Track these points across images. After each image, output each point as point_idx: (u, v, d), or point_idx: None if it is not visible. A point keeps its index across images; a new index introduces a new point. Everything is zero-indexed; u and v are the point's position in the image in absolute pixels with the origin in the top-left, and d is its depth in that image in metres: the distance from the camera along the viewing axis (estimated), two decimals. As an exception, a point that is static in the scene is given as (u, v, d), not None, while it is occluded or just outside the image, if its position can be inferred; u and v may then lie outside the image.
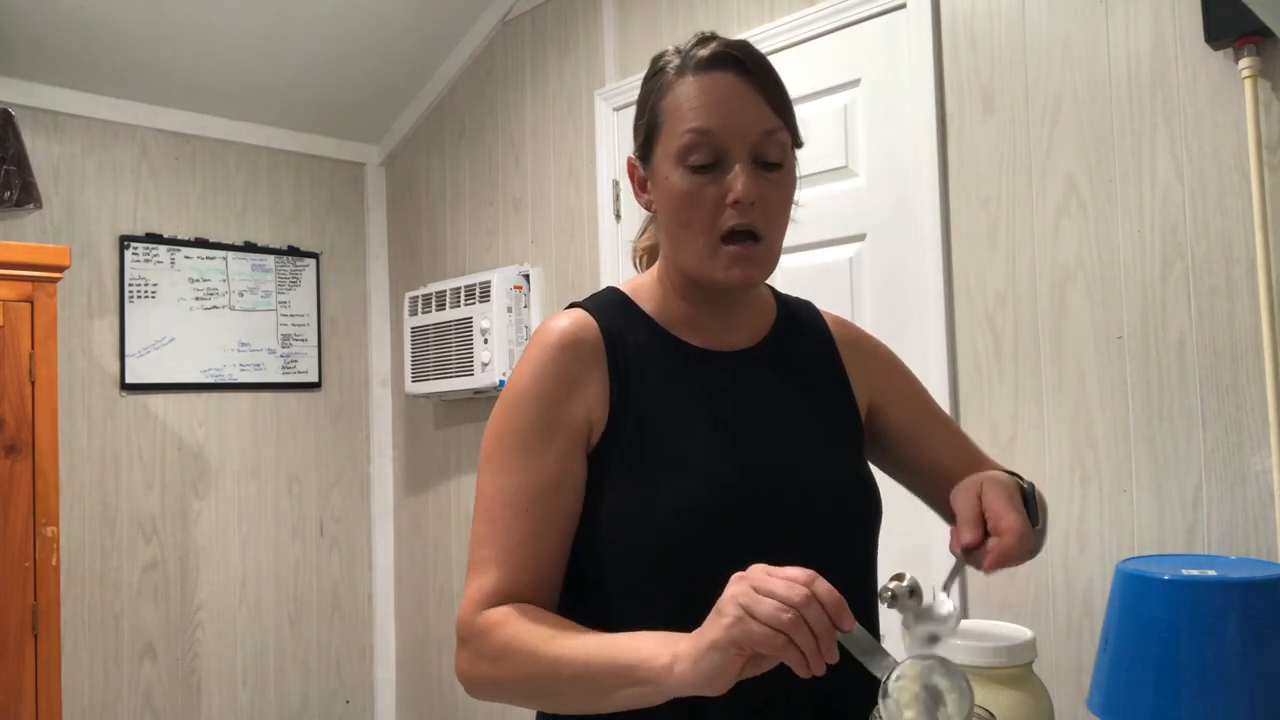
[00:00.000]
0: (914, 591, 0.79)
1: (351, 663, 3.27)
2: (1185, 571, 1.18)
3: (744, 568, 0.88)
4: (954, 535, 0.88)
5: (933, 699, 0.72)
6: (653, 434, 0.95)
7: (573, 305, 1.03)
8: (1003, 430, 1.77)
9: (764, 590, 0.71)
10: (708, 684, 0.72)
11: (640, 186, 1.02)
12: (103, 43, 2.63)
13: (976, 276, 1.82)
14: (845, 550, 0.98)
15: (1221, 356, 1.52)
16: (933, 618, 0.78)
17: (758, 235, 0.93)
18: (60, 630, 2.17)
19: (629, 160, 1.03)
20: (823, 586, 0.71)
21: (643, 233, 1.14)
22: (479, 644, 0.89)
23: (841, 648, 0.72)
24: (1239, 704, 1.10)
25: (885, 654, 0.74)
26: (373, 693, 3.31)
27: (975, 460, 1.13)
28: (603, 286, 1.10)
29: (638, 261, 1.13)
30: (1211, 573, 1.18)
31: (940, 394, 1.84)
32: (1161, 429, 1.58)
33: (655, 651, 0.77)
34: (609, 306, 1.02)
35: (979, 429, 1.80)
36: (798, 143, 0.97)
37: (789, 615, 0.69)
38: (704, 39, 0.96)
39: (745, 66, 0.94)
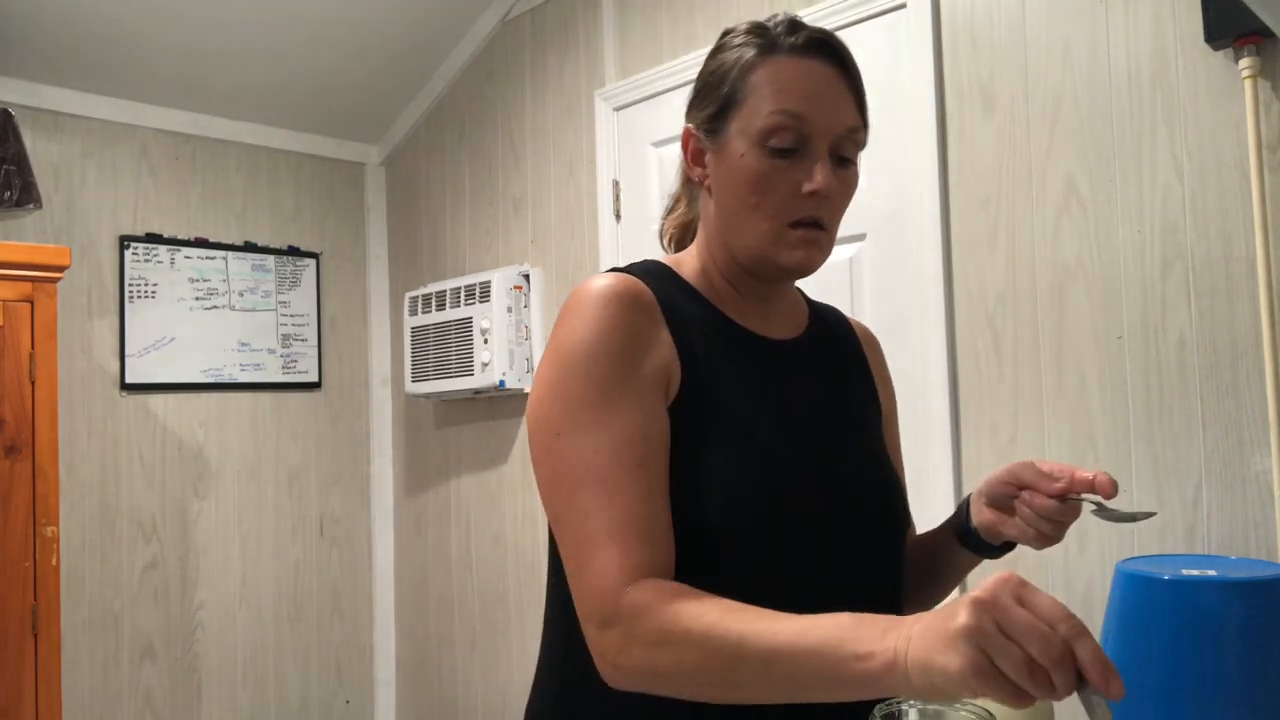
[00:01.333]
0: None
1: (351, 663, 3.26)
2: (1185, 571, 1.18)
3: (815, 564, 0.87)
4: (1031, 497, 0.90)
5: None
6: (721, 407, 0.89)
7: (613, 270, 0.94)
8: (1003, 430, 1.77)
9: (1015, 633, 0.58)
10: (935, 696, 0.64)
11: (695, 159, 0.97)
12: (103, 43, 2.63)
13: (976, 276, 1.81)
14: (891, 549, 0.98)
15: (1221, 356, 1.52)
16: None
17: (823, 225, 0.92)
18: (60, 630, 2.17)
19: (686, 130, 0.97)
20: (1088, 647, 0.58)
21: (672, 209, 1.09)
22: (632, 626, 0.77)
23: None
24: (1239, 704, 1.10)
25: None
26: (373, 693, 3.31)
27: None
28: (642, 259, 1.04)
29: (666, 241, 1.09)
30: (1211, 573, 1.17)
31: (940, 394, 1.84)
32: (1161, 429, 1.58)
33: (873, 646, 0.65)
34: (655, 276, 0.95)
35: (979, 429, 1.80)
36: (865, 144, 0.96)
37: (1037, 676, 0.58)
38: (793, 22, 0.93)
39: (842, 59, 0.92)
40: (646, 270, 0.96)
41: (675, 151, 2.62)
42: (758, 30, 0.94)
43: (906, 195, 1.92)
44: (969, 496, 1.01)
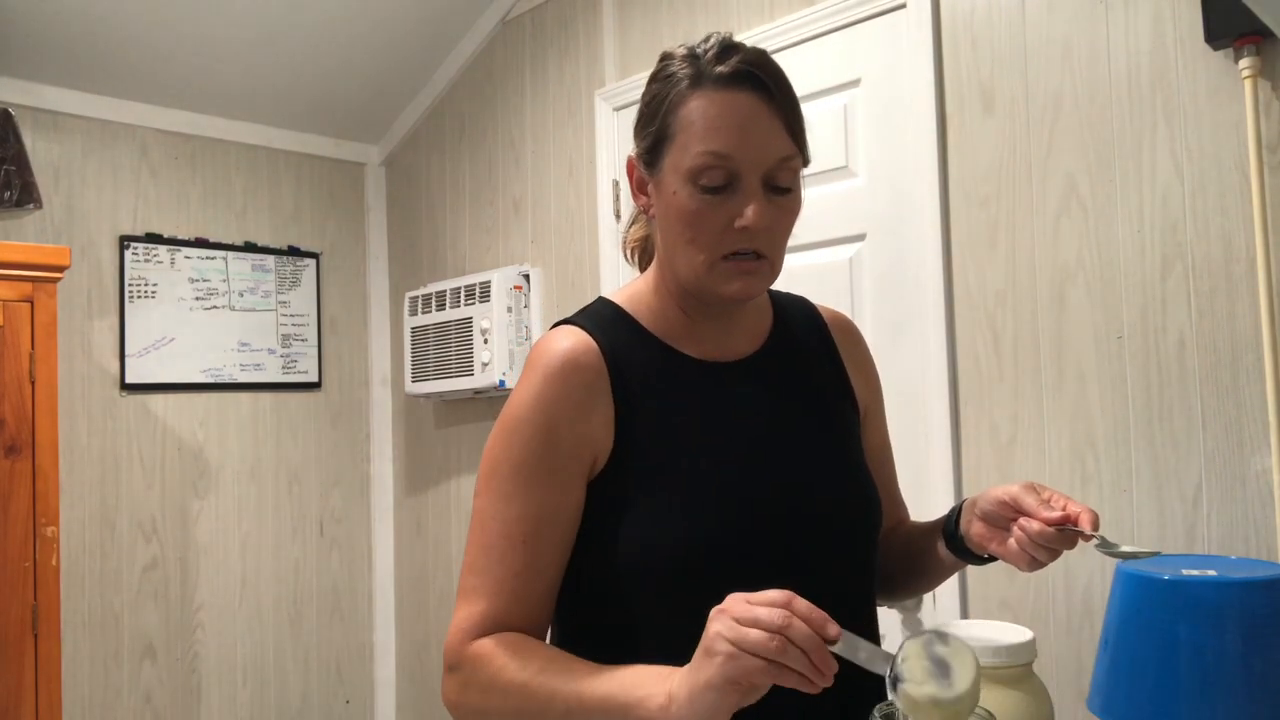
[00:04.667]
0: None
1: (351, 663, 3.27)
2: (1185, 571, 1.18)
3: (761, 589, 0.89)
4: (1028, 522, 0.89)
5: (941, 668, 0.73)
6: (662, 458, 0.93)
7: (566, 322, 0.99)
8: (1003, 430, 1.77)
9: (747, 620, 0.70)
10: None
11: (639, 188, 0.99)
12: (103, 43, 2.63)
13: (976, 276, 1.82)
14: (855, 560, 0.98)
15: (1221, 356, 1.52)
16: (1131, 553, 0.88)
17: (762, 254, 0.92)
18: (60, 630, 2.17)
19: (629, 159, 0.99)
20: (801, 604, 0.71)
21: (632, 224, 1.11)
22: (468, 673, 0.88)
23: (840, 657, 0.72)
24: (1239, 704, 1.10)
25: (880, 650, 0.75)
26: (373, 693, 3.31)
27: (897, 504, 1.16)
28: (598, 295, 1.07)
29: (629, 254, 1.11)
30: (1211, 573, 1.17)
31: (940, 394, 1.84)
32: (1161, 429, 1.58)
33: (650, 690, 0.76)
34: (606, 324, 0.98)
35: (979, 429, 1.80)
36: (807, 162, 0.95)
37: (776, 642, 0.69)
38: (724, 48, 0.92)
39: (767, 87, 0.91)
40: (599, 318, 0.99)
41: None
42: (689, 57, 0.93)
43: (906, 195, 1.92)
44: (963, 502, 1.01)
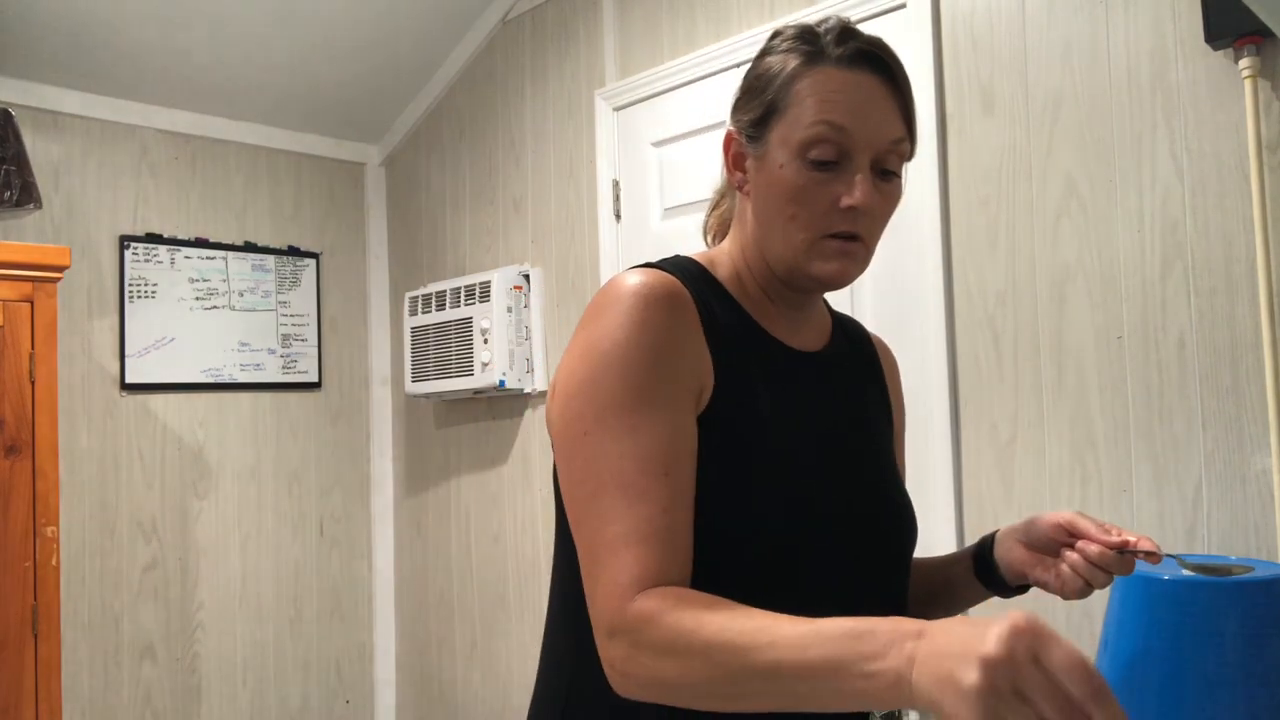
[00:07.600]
0: None
1: (351, 663, 3.26)
2: (1185, 571, 1.18)
3: (836, 581, 0.87)
4: (1085, 546, 0.89)
5: None
6: (752, 424, 0.88)
7: (646, 266, 0.92)
8: (1003, 430, 1.77)
9: (1031, 695, 0.57)
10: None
11: (735, 163, 0.96)
12: (103, 43, 2.63)
13: (976, 276, 1.82)
14: (904, 565, 0.99)
15: (1221, 356, 1.52)
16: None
17: (860, 238, 0.91)
18: (60, 630, 2.17)
19: (728, 133, 0.96)
20: (1108, 714, 0.56)
21: (716, 206, 1.08)
22: (638, 635, 0.75)
23: None
24: (1239, 704, 1.10)
25: None
26: (373, 693, 3.31)
27: None
28: (672, 255, 1.02)
29: (709, 237, 1.09)
30: (1211, 573, 1.17)
31: (940, 394, 1.84)
32: (1161, 429, 1.58)
33: (876, 665, 0.64)
34: (691, 276, 0.93)
35: (979, 429, 1.80)
36: (913, 154, 0.95)
37: None
38: (845, 30, 0.92)
39: (890, 72, 0.91)
40: (682, 269, 0.93)
41: (675, 152, 2.60)
42: (806, 36, 0.92)
43: (907, 195, 1.91)
44: (994, 533, 1.00)
